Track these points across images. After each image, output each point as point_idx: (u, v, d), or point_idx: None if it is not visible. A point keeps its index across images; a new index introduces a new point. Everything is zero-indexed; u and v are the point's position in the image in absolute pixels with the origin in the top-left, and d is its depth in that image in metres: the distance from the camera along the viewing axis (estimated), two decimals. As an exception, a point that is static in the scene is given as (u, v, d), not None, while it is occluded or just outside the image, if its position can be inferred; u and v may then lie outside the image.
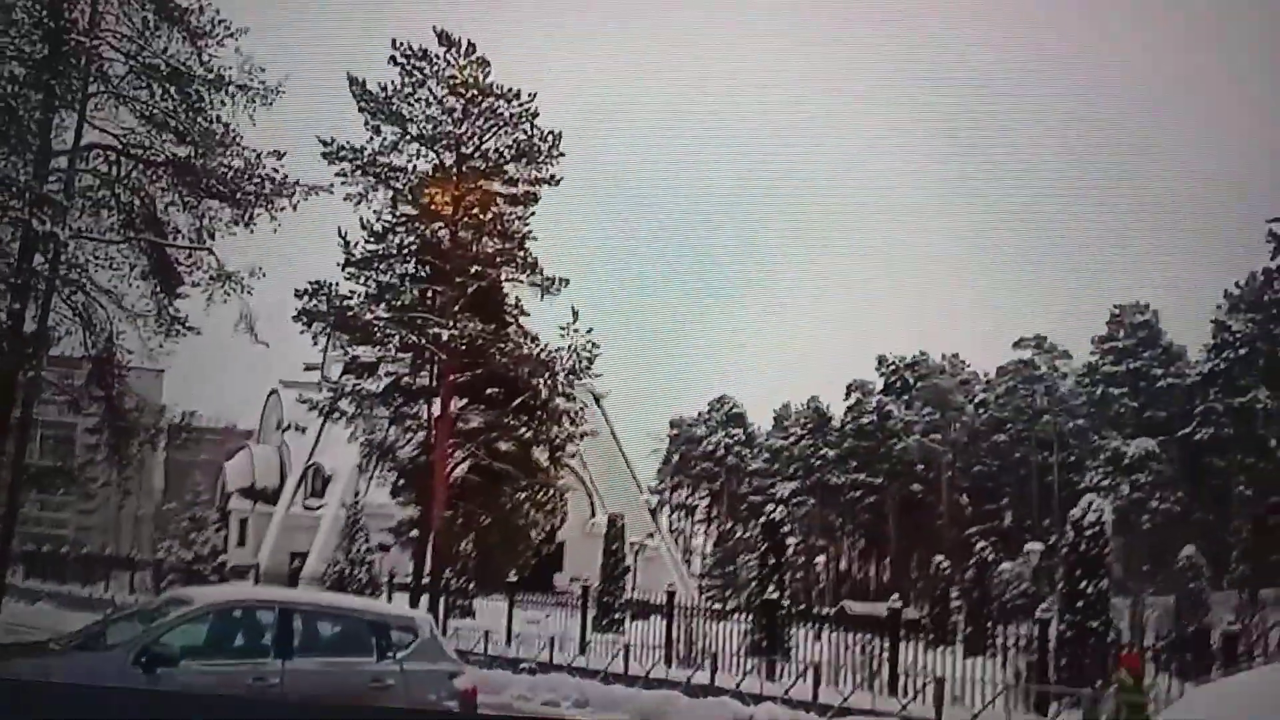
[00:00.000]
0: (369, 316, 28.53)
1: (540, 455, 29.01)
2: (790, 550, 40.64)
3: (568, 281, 28.06)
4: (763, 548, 25.35)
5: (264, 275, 23.42)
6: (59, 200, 20.76)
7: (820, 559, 47.68)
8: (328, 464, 44.55)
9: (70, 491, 29.17)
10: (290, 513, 45.64)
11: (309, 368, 47.54)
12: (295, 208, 23.34)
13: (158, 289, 23.51)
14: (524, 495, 28.52)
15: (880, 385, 45.69)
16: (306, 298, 28.23)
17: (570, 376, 28.38)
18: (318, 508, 44.60)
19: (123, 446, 24.67)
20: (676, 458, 50.26)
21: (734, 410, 48.77)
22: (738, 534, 48.41)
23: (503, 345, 28.21)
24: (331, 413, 30.62)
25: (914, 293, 48.29)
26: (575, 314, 28.35)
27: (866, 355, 44.23)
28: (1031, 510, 40.94)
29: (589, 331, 28.51)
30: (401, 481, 31.24)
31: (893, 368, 45.48)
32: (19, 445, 23.11)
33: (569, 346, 28.48)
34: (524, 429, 28.63)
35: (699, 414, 49.70)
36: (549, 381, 28.45)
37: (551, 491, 28.92)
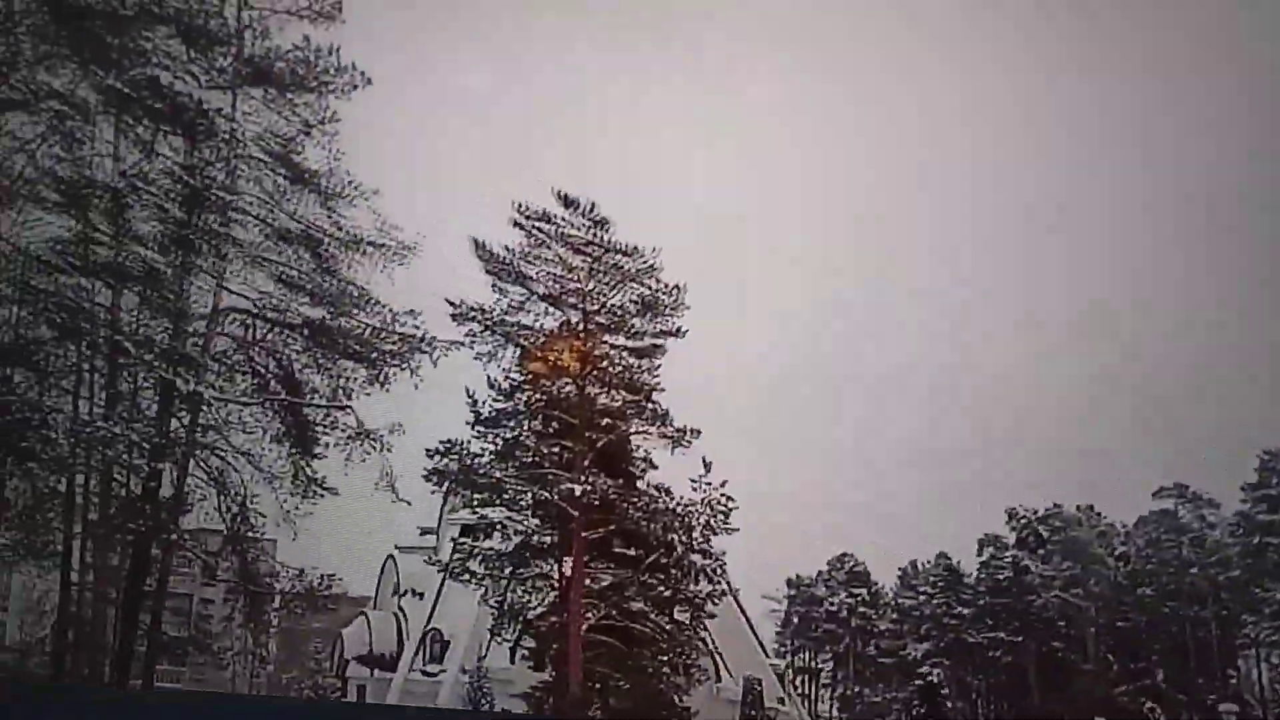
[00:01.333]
0: (499, 475, 27.99)
1: (679, 614, 27.72)
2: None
3: (699, 433, 27.36)
4: (920, 711, 23.57)
5: (404, 432, 23.08)
6: (200, 360, 20.77)
7: (959, 724, 44.58)
8: (446, 629, 43.75)
9: (204, 661, 28.49)
10: (409, 678, 44.58)
11: (425, 532, 47.33)
12: (435, 364, 23.11)
13: (294, 450, 23.24)
14: (664, 657, 27.13)
15: (1012, 539, 43.45)
16: (438, 457, 27.89)
17: (706, 531, 27.29)
18: (437, 673, 43.63)
19: (257, 613, 24.16)
20: (796, 619, 48.17)
21: (856, 568, 46.90)
22: (867, 697, 45.90)
23: (635, 500, 27.33)
24: (461, 574, 29.88)
25: (1042, 441, 46.52)
26: (708, 466, 27.52)
27: (994, 509, 42.44)
28: (1187, 668, 37.90)
29: (723, 485, 27.60)
30: (531, 644, 30.26)
31: (1024, 521, 43.36)
32: (154, 614, 22.70)
33: (702, 500, 27.57)
34: (661, 586, 27.49)
35: (818, 573, 47.82)
36: (684, 537, 27.42)
37: (693, 653, 27.50)
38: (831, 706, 48.30)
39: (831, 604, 46.44)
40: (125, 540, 21.28)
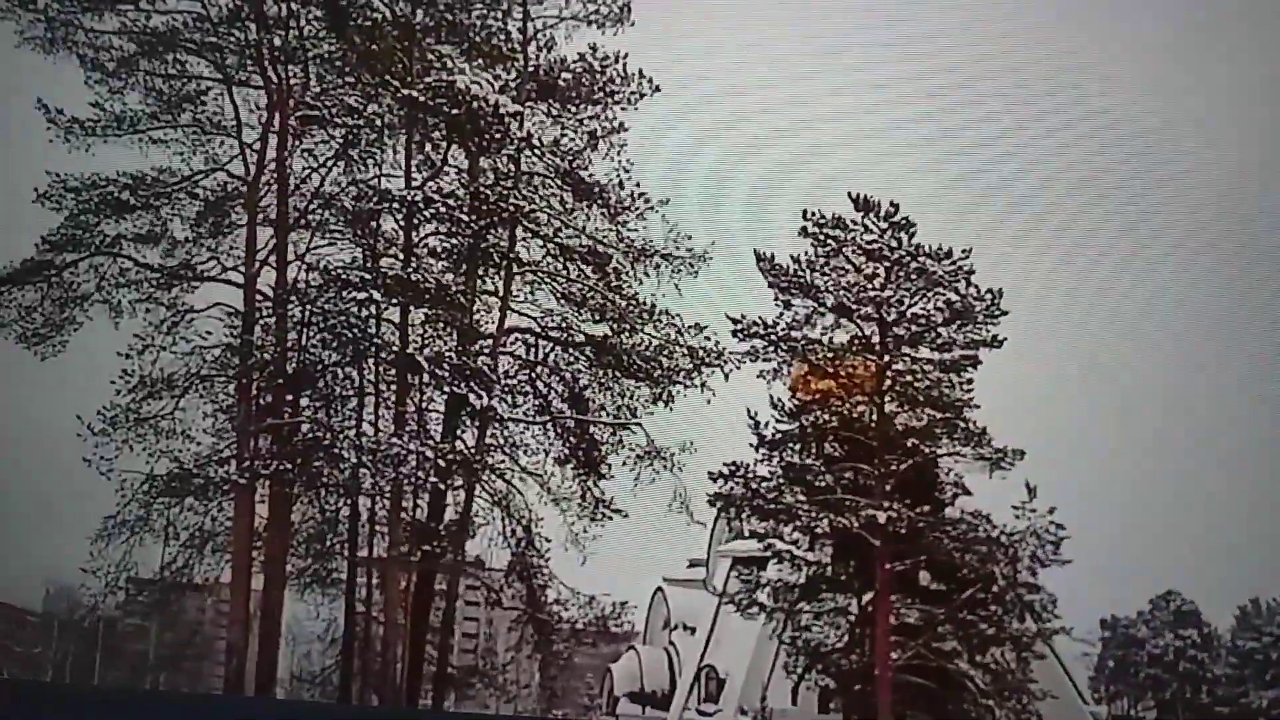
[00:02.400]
0: (789, 500, 26.08)
1: (1003, 655, 24.97)
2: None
3: (1023, 454, 24.55)
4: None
5: (695, 450, 21.80)
6: (491, 375, 20.14)
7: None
8: (721, 666, 42.19)
9: (491, 694, 28.04)
10: (684, 718, 43.26)
11: (694, 564, 46.00)
12: (727, 377, 21.75)
13: (580, 471, 22.32)
14: (988, 702, 24.48)
15: None
16: (721, 480, 26.29)
17: (1034, 563, 24.48)
18: (713, 713, 42.08)
19: (546, 643, 23.40)
20: (1112, 663, 43.87)
21: (1184, 607, 42.18)
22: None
23: (948, 528, 24.80)
24: (748, 607, 28.13)
25: None
26: (1032, 491, 24.67)
27: None
28: None
29: (1051, 511, 24.68)
30: (826, 683, 28.19)
31: None
32: (442, 643, 22.19)
33: (1027, 529, 24.75)
34: (983, 624, 24.84)
35: (1139, 613, 43.38)
36: (1008, 569, 24.67)
37: (1025, 699, 24.71)
38: (1155, 762, 43.59)
39: (1155, 646, 41.95)
40: (413, 566, 20.80)
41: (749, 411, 26.96)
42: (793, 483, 26.15)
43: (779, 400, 26.93)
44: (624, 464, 21.82)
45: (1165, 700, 42.92)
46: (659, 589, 45.51)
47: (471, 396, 19.04)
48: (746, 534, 40.63)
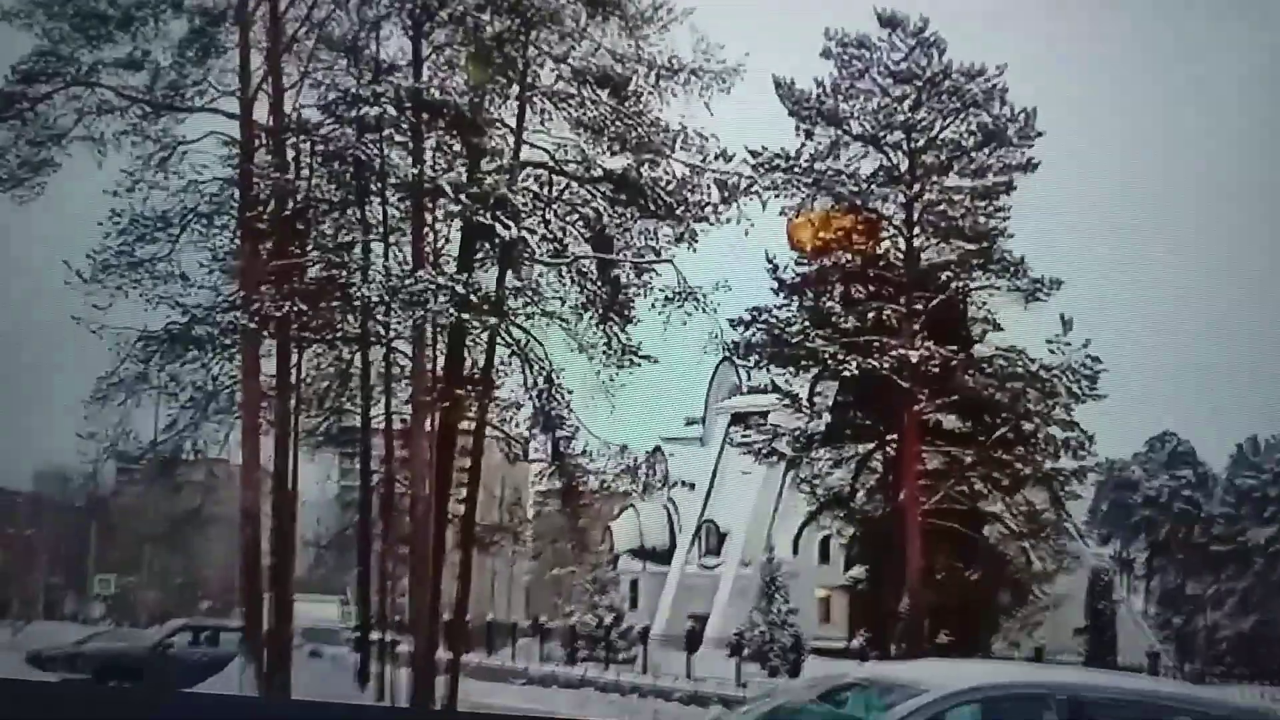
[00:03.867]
0: (816, 344, 24.77)
1: (1031, 495, 24.13)
2: None
3: (1060, 283, 23.24)
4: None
5: (729, 288, 20.30)
6: (516, 201, 18.34)
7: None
8: (721, 521, 41.52)
9: (517, 549, 26.95)
10: (685, 573, 42.63)
11: (691, 422, 45.02)
12: (765, 206, 20.16)
13: (608, 315, 20.74)
14: (1027, 543, 23.75)
15: None
16: (742, 327, 24.94)
17: (1070, 399, 23.43)
18: (714, 567, 41.50)
19: (574, 499, 22.22)
20: (1105, 506, 43.55)
21: (1180, 449, 41.55)
22: (1188, 589, 41.20)
23: (982, 366, 23.64)
24: (768, 455, 27.16)
25: None
26: (1067, 323, 23.48)
27: None
28: None
29: (1086, 345, 23.55)
30: (853, 533, 27.54)
31: None
32: (469, 502, 20.95)
33: (1061, 364, 23.66)
34: (1015, 464, 23.92)
35: (1134, 454, 42.79)
36: (1042, 406, 23.65)
37: (1061, 538, 24.00)
38: (1145, 599, 43.64)
39: (1150, 488, 41.38)
40: (433, 419, 19.30)
41: (767, 255, 25.63)
42: (817, 325, 24.90)
43: (799, 240, 25.56)
44: (652, 307, 20.22)
45: (1159, 541, 42.73)
46: (657, 448, 44.26)
47: (498, 227, 17.29)
48: (745, 390, 39.64)
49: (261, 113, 18.49)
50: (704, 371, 27.15)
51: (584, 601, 38.00)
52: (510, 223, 17.57)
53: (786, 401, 28.27)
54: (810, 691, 8.03)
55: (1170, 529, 45.22)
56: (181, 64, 18.03)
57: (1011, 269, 23.85)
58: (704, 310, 20.27)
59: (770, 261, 25.97)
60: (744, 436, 36.41)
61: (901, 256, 24.69)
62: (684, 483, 44.30)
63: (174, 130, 18.20)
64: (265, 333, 18.10)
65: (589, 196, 20.95)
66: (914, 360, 23.58)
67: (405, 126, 18.38)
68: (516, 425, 22.09)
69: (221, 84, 18.32)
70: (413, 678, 19.04)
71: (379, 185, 18.88)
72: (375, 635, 21.96)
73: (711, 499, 41.21)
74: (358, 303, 18.44)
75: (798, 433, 27.10)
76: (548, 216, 20.86)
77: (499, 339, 20.79)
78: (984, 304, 24.59)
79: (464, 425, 21.17)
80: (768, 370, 26.63)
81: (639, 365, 20.90)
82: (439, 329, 19.12)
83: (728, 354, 26.03)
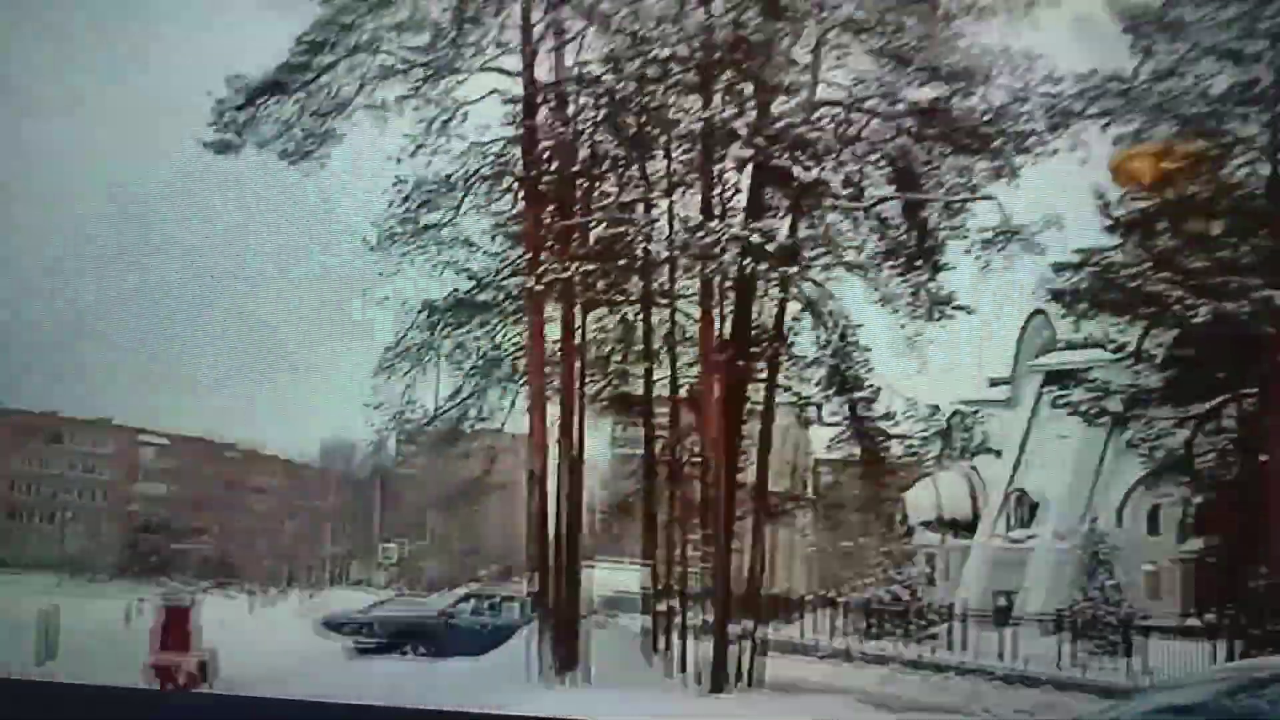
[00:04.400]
0: (1160, 288, 22.51)
1: None
2: None
3: None
4: None
5: (1063, 227, 18.68)
6: (816, 143, 17.39)
7: None
8: (1032, 489, 39.28)
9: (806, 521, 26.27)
10: (992, 546, 40.66)
11: (995, 383, 42.83)
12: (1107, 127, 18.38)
13: (912, 263, 19.51)
14: None
15: None
16: (1068, 272, 23.07)
17: None
18: (1025, 539, 39.34)
19: (875, 466, 21.23)
20: None
21: None
22: None
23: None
24: (1097, 415, 25.23)
25: None
26: None
27: None
28: None
29: None
30: (1198, 500, 25.31)
31: None
32: (761, 468, 20.32)
33: None
34: None
35: None
36: None
37: None
38: None
39: None
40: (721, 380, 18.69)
41: (1096, 190, 23.56)
42: (1159, 267, 22.65)
43: (1135, 171, 23.38)
44: (966, 252, 18.83)
45: None
46: (956, 411, 42.42)
47: (796, 170, 16.38)
48: (1062, 345, 37.16)
49: (542, 71, 18.39)
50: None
51: (879, 576, 36.97)
52: (810, 164, 16.60)
53: (1119, 354, 26.28)
54: (1220, 685, 6.83)
55: None
56: (461, 23, 18.07)
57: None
58: (1032, 252, 18.65)
59: (1100, 198, 23.97)
60: (1064, 396, 34.21)
61: (1264, 185, 22.10)
62: (991, 449, 42.46)
63: (455, 92, 18.31)
64: (550, 297, 18.05)
65: (892, 134, 19.78)
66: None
67: (693, 69, 17.76)
68: (810, 386, 21.35)
69: (501, 41, 18.32)
70: (714, 650, 18.70)
71: (664, 137, 18.40)
72: (663, 606, 21.86)
73: (1021, 466, 39.14)
74: (642, 262, 18.09)
75: (1132, 389, 25.06)
76: (843, 158, 19.85)
77: (791, 293, 20.02)
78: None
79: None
80: (1096, 320, 24.70)
81: (951, 318, 19.65)
82: (726, 286, 18.52)
83: (1054, 301, 24.36)
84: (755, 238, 16.06)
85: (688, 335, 20.66)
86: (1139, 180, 24.12)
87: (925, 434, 20.72)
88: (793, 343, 19.80)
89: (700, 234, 15.84)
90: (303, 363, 26.20)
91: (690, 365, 20.93)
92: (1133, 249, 23.20)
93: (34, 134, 23.63)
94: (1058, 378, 35.90)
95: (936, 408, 21.00)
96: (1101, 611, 29.50)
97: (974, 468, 42.88)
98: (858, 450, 21.31)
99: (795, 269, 17.89)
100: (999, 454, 43.14)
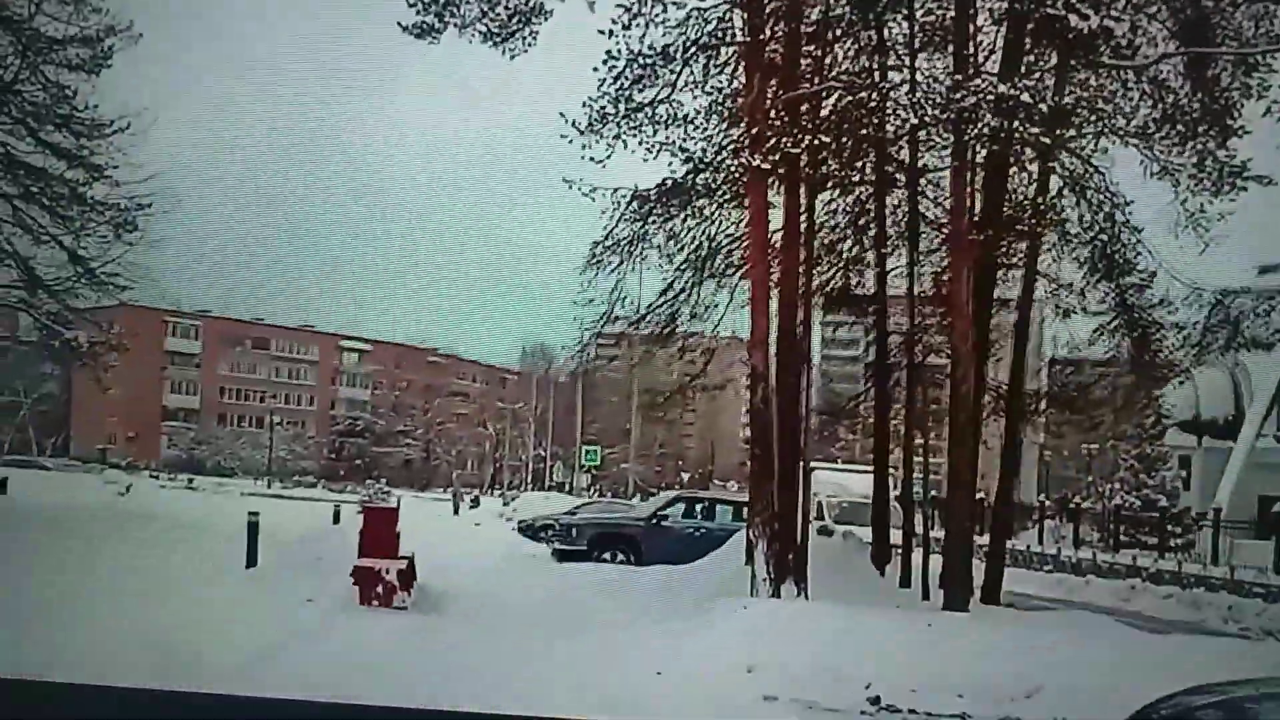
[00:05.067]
0: None
1: None
2: None
3: None
4: None
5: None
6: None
7: None
8: (1309, 384, 36.56)
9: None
10: (1257, 448, 38.27)
11: (1266, 270, 39.93)
12: None
13: (1196, 127, 17.71)
14: None
15: None
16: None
17: None
18: (1294, 439, 36.80)
19: (1146, 360, 19.71)
20: None
21: None
22: None
23: None
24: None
25: None
26: None
27: None
28: None
29: None
30: None
31: None
32: (1016, 365, 19.08)
33: None
34: None
35: None
36: None
37: None
38: None
39: None
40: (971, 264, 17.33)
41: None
42: None
43: None
44: (1266, 113, 16.80)
45: None
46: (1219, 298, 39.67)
47: (1073, 19, 14.68)
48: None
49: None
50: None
51: (1127, 480, 35.24)
52: (1090, 12, 14.86)
53: None
54: None
55: None
56: None
57: None
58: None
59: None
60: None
61: None
62: (1256, 342, 39.53)
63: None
64: (774, 178, 17.00)
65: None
66: None
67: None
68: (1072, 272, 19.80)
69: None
70: (954, 562, 17.68)
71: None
72: (893, 515, 20.98)
73: (1296, 362, 36.47)
74: (880, 134, 16.78)
75: None
76: (1117, 6, 17.91)
77: (1053, 165, 18.44)
78: None
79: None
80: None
81: (1244, 189, 17.74)
82: (978, 160, 17.08)
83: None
84: (1025, 96, 14.53)
85: (928, 219, 19.39)
86: None
87: (1210, 322, 18.86)
88: (1065, 218, 18.26)
89: (958, 93, 14.40)
90: (505, 266, 25.98)
91: (929, 253, 19.71)
92: None
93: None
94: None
95: (1224, 292, 19.19)
96: None
97: (1240, 362, 40.25)
98: (1126, 342, 19.71)
99: (1069, 132, 16.27)
100: (1269, 347, 40.32)
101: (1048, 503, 36.33)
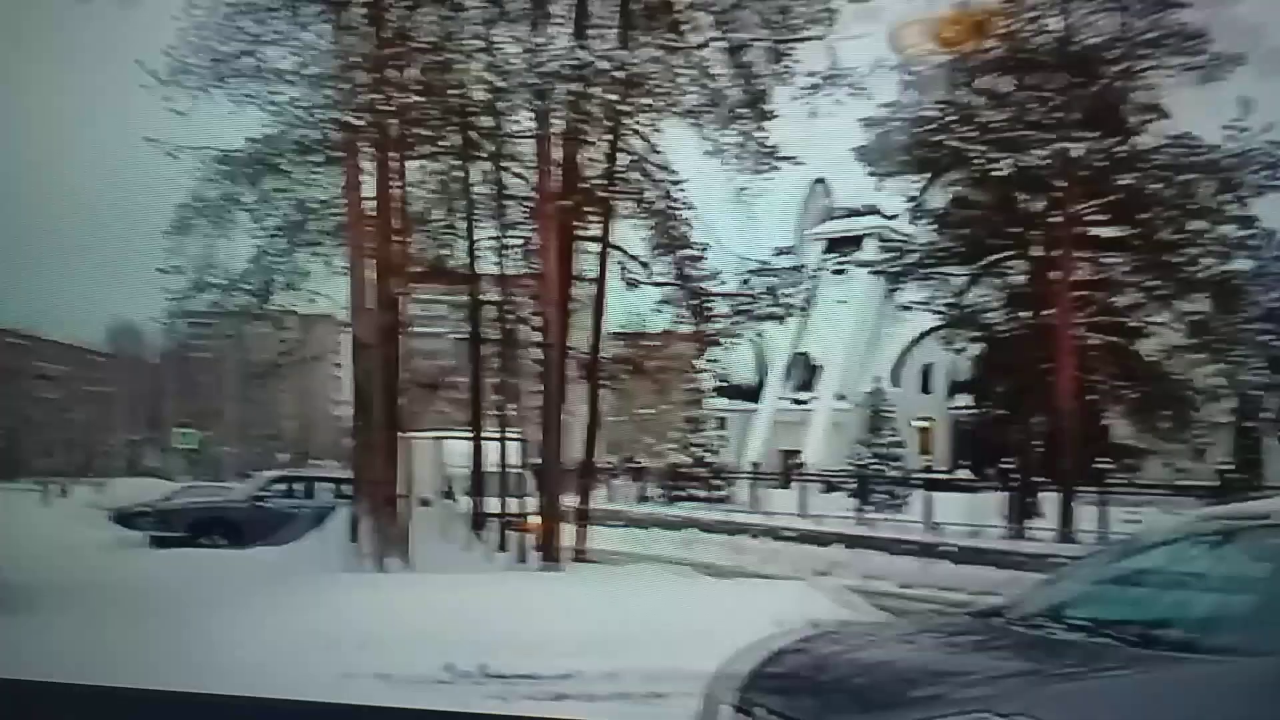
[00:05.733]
0: (951, 141, 21.74)
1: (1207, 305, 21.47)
2: None
3: (1243, 58, 19.92)
4: None
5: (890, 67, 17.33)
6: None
7: None
8: (815, 353, 39.22)
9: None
10: (777, 409, 40.56)
11: (782, 252, 42.52)
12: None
13: (737, 110, 17.87)
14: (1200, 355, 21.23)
15: None
16: (877, 127, 22.06)
17: (1252, 192, 20.51)
18: (807, 401, 39.39)
19: (703, 322, 19.77)
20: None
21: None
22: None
23: (1151, 158, 20.67)
24: (902, 274, 24.59)
25: None
26: (1247, 104, 20.36)
27: None
28: None
29: (1267, 129, 20.42)
30: (978, 355, 25.23)
31: None
32: (595, 333, 18.56)
33: (1230, 153, 20.63)
34: (1179, 270, 21.23)
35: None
36: (1213, 202, 20.78)
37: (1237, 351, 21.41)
38: None
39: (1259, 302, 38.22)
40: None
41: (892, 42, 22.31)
42: (965, 120, 21.84)
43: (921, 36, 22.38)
44: (794, 98, 17.19)
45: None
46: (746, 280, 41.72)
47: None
48: (841, 213, 36.67)
49: None
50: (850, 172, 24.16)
51: (677, 440, 36.20)
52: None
53: (893, 216, 25.83)
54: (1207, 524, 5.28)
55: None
56: None
57: (1187, 43, 20.50)
58: (858, 95, 17.14)
59: (900, 50, 22.80)
60: (844, 261, 33.93)
61: (1056, 39, 21.47)
62: (775, 314, 41.90)
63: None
64: (366, 140, 15.41)
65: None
66: (1075, 155, 20.64)
67: None
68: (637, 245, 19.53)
69: None
70: (546, 524, 16.96)
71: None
72: (487, 481, 19.99)
73: (804, 331, 38.97)
74: (464, 102, 15.59)
75: (929, 246, 24.53)
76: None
77: (622, 143, 18.03)
78: (1152, 88, 21.43)
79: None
80: (897, 177, 23.85)
81: (778, 169, 18.11)
82: (557, 132, 16.33)
83: (860, 159, 23.26)
84: (603, 63, 13.88)
85: (507, 191, 18.35)
86: (933, 42, 23.16)
87: (752, 291, 19.20)
88: (642, 190, 17.85)
89: (539, 59, 13.52)
90: (86, 236, 22.53)
91: (514, 226, 18.70)
92: (934, 104, 22.27)
93: None
94: (837, 245, 35.68)
95: (766, 262, 19.62)
96: (884, 467, 29.76)
97: (759, 333, 42.65)
98: (685, 311, 19.72)
99: (643, 100, 15.80)
100: (782, 319, 42.85)
101: (614, 463, 36.61)
